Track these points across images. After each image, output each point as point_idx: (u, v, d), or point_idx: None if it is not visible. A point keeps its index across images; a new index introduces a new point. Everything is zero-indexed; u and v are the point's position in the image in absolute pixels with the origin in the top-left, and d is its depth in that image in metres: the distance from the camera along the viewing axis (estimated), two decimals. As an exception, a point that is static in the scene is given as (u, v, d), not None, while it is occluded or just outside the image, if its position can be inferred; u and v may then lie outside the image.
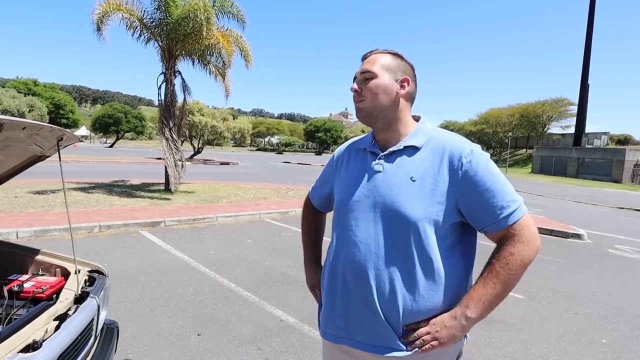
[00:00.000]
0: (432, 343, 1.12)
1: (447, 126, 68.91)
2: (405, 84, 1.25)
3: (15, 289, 1.78)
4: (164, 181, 11.73)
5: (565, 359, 3.17)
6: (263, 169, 28.03)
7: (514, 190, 1.16)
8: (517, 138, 57.21)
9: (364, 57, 1.28)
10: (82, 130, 67.46)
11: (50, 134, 1.71)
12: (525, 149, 56.20)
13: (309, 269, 1.61)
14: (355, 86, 1.24)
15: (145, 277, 4.49)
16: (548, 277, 5.39)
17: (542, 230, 8.68)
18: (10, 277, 1.87)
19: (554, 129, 56.30)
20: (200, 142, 32.25)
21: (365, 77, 1.23)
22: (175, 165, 11.11)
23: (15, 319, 1.53)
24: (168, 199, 10.13)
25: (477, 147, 1.19)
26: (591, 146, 42.68)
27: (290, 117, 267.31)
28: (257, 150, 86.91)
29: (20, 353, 1.27)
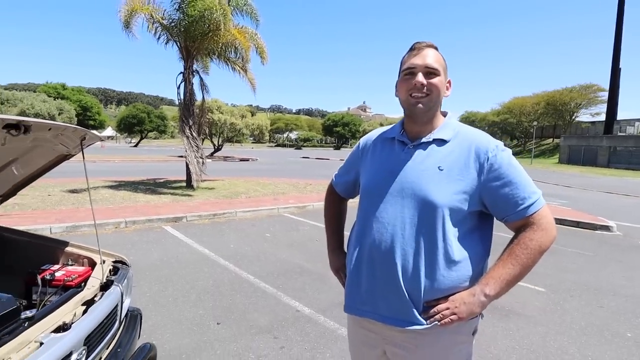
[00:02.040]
0: (451, 317, 1.20)
1: (468, 117, 67.53)
2: (449, 85, 1.35)
3: (48, 277, 1.94)
4: (185, 178, 12.04)
5: (586, 352, 3.13)
6: (282, 164, 28.29)
7: (533, 183, 1.26)
8: (543, 127, 55.39)
9: (417, 48, 1.30)
10: (108, 131, 69.53)
11: (73, 134, 1.84)
12: (551, 139, 54.40)
13: (333, 253, 1.67)
14: (424, 80, 1.26)
15: (168, 270, 4.68)
16: (572, 270, 5.30)
17: (568, 222, 8.49)
18: (43, 267, 2.02)
19: (583, 116, 54.00)
20: (220, 139, 32.72)
21: (429, 72, 1.27)
22: (197, 163, 11.39)
23: (48, 304, 1.68)
24: (189, 195, 10.40)
25: (500, 144, 1.28)
26: (623, 134, 40.91)
27: (309, 113, 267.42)
28: (276, 146, 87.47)
29: (53, 333, 1.40)
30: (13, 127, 1.47)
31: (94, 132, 2.00)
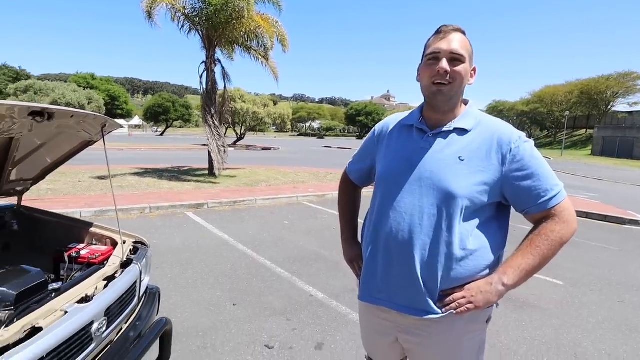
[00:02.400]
0: (467, 306, 1.19)
1: (496, 106, 65.48)
2: (474, 72, 1.30)
3: (74, 255, 2.09)
4: (207, 166, 12.32)
5: (600, 346, 3.09)
6: (303, 153, 28.41)
7: (555, 175, 1.24)
8: (576, 117, 53.18)
9: (443, 32, 1.23)
10: (135, 120, 71.44)
11: (94, 121, 1.96)
12: (585, 129, 52.18)
13: (346, 243, 1.63)
14: (448, 67, 1.20)
15: (189, 253, 4.86)
16: (594, 265, 5.18)
17: (594, 216, 8.25)
18: (70, 246, 2.18)
19: (620, 106, 51.33)
20: (243, 128, 33.10)
21: (454, 58, 1.21)
22: (218, 151, 11.63)
23: (73, 278, 1.82)
24: (211, 182, 10.66)
25: (523, 134, 1.25)
26: (664, 124, 38.86)
27: (332, 102, 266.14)
28: (298, 135, 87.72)
29: (76, 304, 1.53)
30: (38, 114, 1.59)
31: (114, 120, 2.12)
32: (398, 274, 1.26)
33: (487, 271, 1.23)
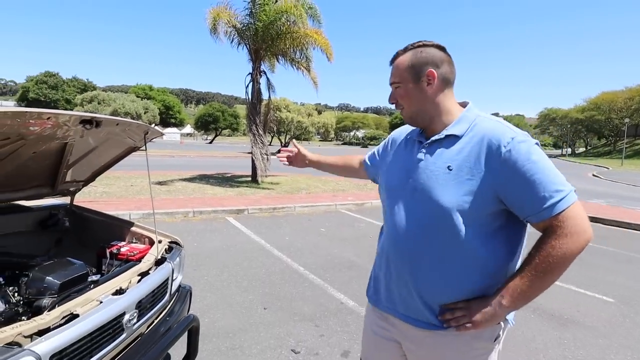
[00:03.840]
0: (467, 325, 1.16)
1: (548, 114, 62.05)
2: (431, 78, 1.23)
3: (115, 251, 2.27)
4: (250, 173, 12.70)
5: (652, 370, 2.87)
6: (346, 163, 28.38)
7: (562, 179, 1.10)
8: (638, 125, 49.10)
9: (391, 63, 1.32)
10: (187, 129, 75.15)
11: (137, 128, 2.13)
12: (648, 138, 48.21)
13: (322, 161, 1.86)
14: (392, 98, 1.32)
15: (226, 257, 5.05)
16: (652, 284, 4.77)
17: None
18: (112, 243, 2.36)
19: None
20: (287, 137, 33.80)
21: (395, 87, 1.30)
22: (262, 159, 11.98)
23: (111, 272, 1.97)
24: (253, 189, 10.97)
25: (520, 135, 1.14)
26: None
27: (377, 111, 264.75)
28: (342, 144, 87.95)
29: (111, 295, 1.67)
30: (87, 122, 1.76)
31: (155, 127, 2.29)
32: (397, 284, 1.29)
33: (492, 285, 1.17)
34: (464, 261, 1.17)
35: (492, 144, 1.13)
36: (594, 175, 25.59)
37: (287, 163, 1.86)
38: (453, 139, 1.22)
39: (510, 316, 1.25)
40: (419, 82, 1.24)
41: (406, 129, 1.49)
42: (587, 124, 53.05)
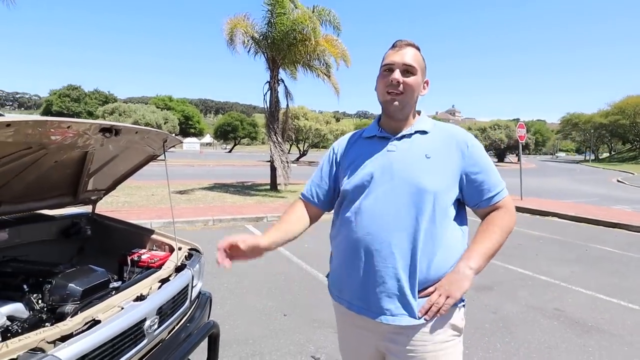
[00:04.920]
0: (447, 302, 1.21)
1: (571, 119, 60.50)
2: (426, 85, 1.40)
3: (136, 259, 2.30)
4: (270, 181, 12.79)
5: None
6: (364, 169, 28.30)
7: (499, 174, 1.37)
8: (664, 129, 47.45)
9: (398, 46, 1.32)
10: (207, 138, 76.48)
11: (156, 137, 2.16)
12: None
13: (266, 236, 1.42)
14: (400, 78, 1.28)
15: (245, 264, 4.99)
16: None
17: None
18: (133, 250, 2.40)
19: None
20: (306, 145, 33.96)
21: (406, 70, 1.29)
22: (282, 166, 12.05)
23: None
24: (273, 197, 11.03)
25: (473, 136, 1.37)
26: None
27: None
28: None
29: (132, 301, 1.68)
30: (107, 130, 1.80)
31: (174, 135, 2.32)
32: (378, 278, 1.24)
33: (456, 263, 1.28)
34: (442, 245, 1.25)
35: (461, 141, 1.33)
36: (618, 180, 24.75)
37: (226, 266, 1.33)
38: (422, 133, 1.35)
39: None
40: (421, 82, 1.37)
41: (350, 135, 1.52)
42: (611, 128, 51.58)
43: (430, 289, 1.24)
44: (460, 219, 1.34)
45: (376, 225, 1.26)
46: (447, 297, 1.22)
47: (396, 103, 1.31)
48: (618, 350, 3.11)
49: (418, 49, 1.35)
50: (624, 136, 52.75)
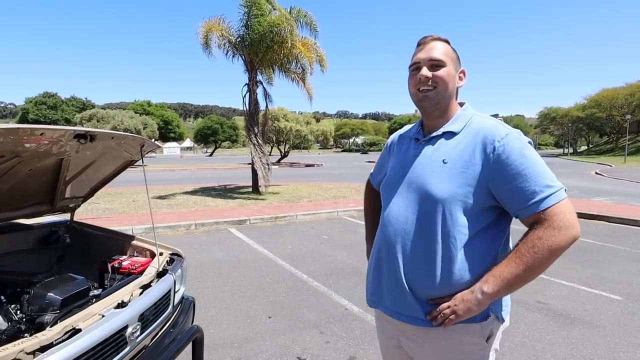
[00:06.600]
0: (450, 317, 1.16)
1: (548, 113, 62.05)
2: (463, 75, 1.33)
3: (117, 265, 2.27)
4: (252, 184, 12.71)
5: (663, 365, 2.82)
6: (346, 169, 28.47)
7: (553, 176, 1.13)
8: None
9: (422, 43, 1.30)
10: (187, 142, 75.33)
11: (133, 142, 2.15)
12: (650, 134, 48.18)
13: (369, 243, 1.66)
14: (428, 74, 1.25)
15: (229, 267, 5.03)
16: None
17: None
18: (114, 257, 2.36)
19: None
20: (287, 146, 33.84)
21: (434, 65, 1.25)
22: (262, 168, 11.99)
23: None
24: (255, 199, 10.97)
25: (514, 132, 1.18)
26: None
27: (375, 117, 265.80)
28: (342, 151, 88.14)
29: (113, 309, 1.67)
30: (82, 136, 1.78)
31: (151, 140, 2.30)
32: (387, 280, 1.30)
33: (475, 278, 1.18)
34: (454, 255, 1.18)
35: (487, 139, 1.19)
36: (596, 173, 25.46)
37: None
38: (449, 135, 1.28)
39: (504, 314, 1.26)
40: (455, 72, 1.29)
41: (400, 130, 1.53)
42: (588, 121, 53.05)
43: (447, 299, 1.19)
44: (497, 229, 1.23)
45: (389, 229, 1.30)
46: (453, 312, 1.16)
47: (428, 99, 1.27)
48: (601, 341, 3.20)
49: (446, 41, 1.30)
50: (601, 129, 54.33)
